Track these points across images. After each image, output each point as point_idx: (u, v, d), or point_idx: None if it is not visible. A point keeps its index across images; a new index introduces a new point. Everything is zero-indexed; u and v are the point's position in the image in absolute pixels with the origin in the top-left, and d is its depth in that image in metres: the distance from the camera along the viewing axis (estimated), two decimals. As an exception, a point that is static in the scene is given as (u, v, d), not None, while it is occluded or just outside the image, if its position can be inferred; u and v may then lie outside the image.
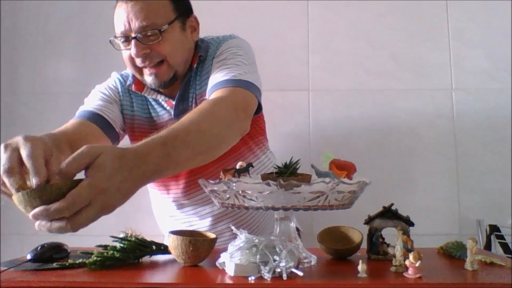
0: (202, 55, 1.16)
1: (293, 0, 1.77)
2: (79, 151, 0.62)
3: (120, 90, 1.20)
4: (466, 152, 1.68)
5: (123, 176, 0.63)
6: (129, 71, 1.20)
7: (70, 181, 0.61)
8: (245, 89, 1.01)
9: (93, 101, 1.16)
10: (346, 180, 0.82)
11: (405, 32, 1.74)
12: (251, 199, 0.77)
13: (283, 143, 1.51)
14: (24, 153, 0.64)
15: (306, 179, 0.81)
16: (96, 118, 1.11)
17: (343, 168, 0.85)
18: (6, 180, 0.63)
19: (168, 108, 1.18)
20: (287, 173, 0.80)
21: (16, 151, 0.65)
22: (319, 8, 1.76)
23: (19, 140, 0.66)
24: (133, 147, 0.69)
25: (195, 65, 1.16)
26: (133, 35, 1.05)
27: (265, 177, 0.81)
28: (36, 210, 0.60)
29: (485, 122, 1.68)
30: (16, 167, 0.64)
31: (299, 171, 0.83)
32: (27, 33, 1.81)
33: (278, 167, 0.82)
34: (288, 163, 0.82)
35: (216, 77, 1.05)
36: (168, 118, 1.18)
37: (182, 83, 1.16)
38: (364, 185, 0.82)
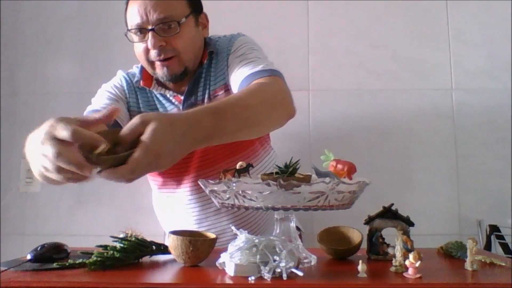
0: (212, 51, 1.19)
1: (293, 0, 1.77)
2: (132, 121, 0.68)
3: (125, 88, 1.22)
4: (466, 152, 1.68)
5: (175, 141, 0.69)
6: (134, 69, 1.23)
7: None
8: (280, 78, 1.05)
9: (100, 101, 1.17)
10: (346, 180, 0.82)
11: (405, 32, 1.74)
12: (251, 199, 0.77)
13: (283, 143, 1.51)
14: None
15: (306, 179, 0.81)
16: None
17: (343, 168, 0.85)
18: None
19: (176, 103, 1.19)
20: (287, 173, 0.80)
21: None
22: (319, 8, 1.76)
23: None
24: (184, 114, 0.75)
25: (205, 61, 1.18)
26: (150, 27, 1.07)
27: (265, 177, 0.81)
28: (104, 173, 0.66)
29: (485, 122, 1.68)
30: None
31: (299, 171, 0.83)
32: (27, 33, 1.81)
33: (278, 167, 0.82)
34: (288, 163, 0.82)
35: (244, 71, 1.07)
36: (176, 111, 1.18)
37: (192, 79, 1.17)
38: (364, 185, 0.82)
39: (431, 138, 1.70)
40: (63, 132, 0.64)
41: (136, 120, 0.68)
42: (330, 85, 1.73)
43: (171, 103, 1.20)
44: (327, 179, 0.78)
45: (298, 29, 1.76)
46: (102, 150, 0.66)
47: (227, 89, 1.17)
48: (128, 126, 0.68)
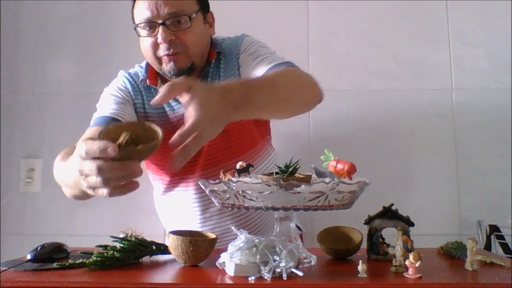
0: (220, 51, 1.19)
1: (293, 0, 1.77)
2: (176, 81, 0.70)
3: (130, 89, 1.21)
4: (466, 152, 1.68)
5: (217, 108, 0.70)
6: (137, 69, 1.23)
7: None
8: (300, 69, 1.08)
9: (107, 106, 1.15)
10: (346, 180, 0.82)
11: (405, 32, 1.74)
12: (251, 199, 0.77)
13: (283, 143, 1.51)
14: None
15: (306, 179, 0.81)
16: (113, 122, 1.09)
17: (343, 168, 0.85)
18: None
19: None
20: (287, 173, 0.80)
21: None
22: (319, 8, 1.76)
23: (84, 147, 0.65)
24: (217, 84, 0.78)
25: (213, 61, 1.19)
26: (160, 21, 1.08)
27: (265, 177, 0.81)
28: (178, 162, 0.67)
29: (485, 122, 1.68)
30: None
31: (299, 171, 0.83)
32: (27, 33, 1.81)
33: (278, 167, 0.82)
34: (288, 163, 0.82)
35: (263, 66, 1.08)
36: (182, 110, 1.17)
37: (199, 78, 1.18)
38: (364, 185, 0.82)
39: (431, 138, 1.69)
40: (92, 148, 0.63)
41: (178, 80, 0.71)
42: (330, 85, 1.73)
43: (177, 103, 1.19)
44: (327, 179, 0.78)
45: (298, 29, 1.75)
46: (124, 139, 0.65)
47: None
48: (171, 83, 0.69)
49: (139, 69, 1.23)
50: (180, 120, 1.17)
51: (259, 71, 1.09)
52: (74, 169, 0.68)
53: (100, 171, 0.63)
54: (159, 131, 0.69)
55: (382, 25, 1.74)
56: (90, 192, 0.68)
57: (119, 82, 1.22)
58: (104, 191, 0.66)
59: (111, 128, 0.70)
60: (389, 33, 1.74)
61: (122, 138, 0.65)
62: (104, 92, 1.21)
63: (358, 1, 1.75)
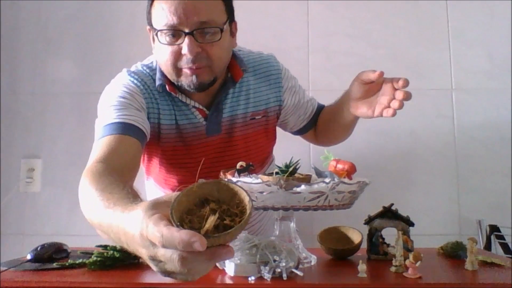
0: (244, 69, 1.09)
1: (293, 0, 1.77)
2: None
3: (145, 94, 1.04)
4: (466, 152, 1.68)
5: None
6: (141, 68, 1.08)
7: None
8: None
9: (118, 110, 0.97)
10: (346, 180, 0.82)
11: (405, 32, 1.74)
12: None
13: (283, 144, 1.51)
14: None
15: (306, 179, 0.81)
16: (135, 131, 0.95)
17: (343, 168, 0.85)
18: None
19: (199, 116, 1.08)
20: (287, 173, 0.80)
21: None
22: (319, 8, 1.76)
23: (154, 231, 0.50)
24: None
25: (239, 79, 1.08)
26: (187, 30, 0.94)
27: (265, 177, 0.81)
28: None
29: (485, 122, 1.68)
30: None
31: (299, 171, 0.83)
32: (27, 33, 1.81)
33: (279, 167, 0.82)
34: (288, 163, 0.82)
35: (310, 106, 1.26)
36: (199, 124, 1.08)
37: (220, 93, 1.07)
38: (364, 185, 0.82)
39: (431, 138, 1.69)
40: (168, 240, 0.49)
41: None
42: (330, 85, 1.73)
43: (194, 116, 1.08)
44: (327, 179, 0.78)
45: (298, 29, 1.75)
46: (211, 225, 0.50)
47: (265, 115, 1.14)
48: None
49: (145, 70, 1.07)
50: (192, 136, 1.08)
51: (305, 108, 1.23)
52: (133, 242, 0.54)
53: (184, 263, 0.49)
54: (245, 197, 0.53)
55: (382, 25, 1.74)
56: (163, 276, 0.54)
57: (127, 83, 1.04)
58: (188, 279, 0.53)
59: (182, 198, 0.53)
60: (389, 33, 1.74)
61: (208, 224, 0.50)
62: (107, 93, 1.04)
63: (358, 1, 1.75)
